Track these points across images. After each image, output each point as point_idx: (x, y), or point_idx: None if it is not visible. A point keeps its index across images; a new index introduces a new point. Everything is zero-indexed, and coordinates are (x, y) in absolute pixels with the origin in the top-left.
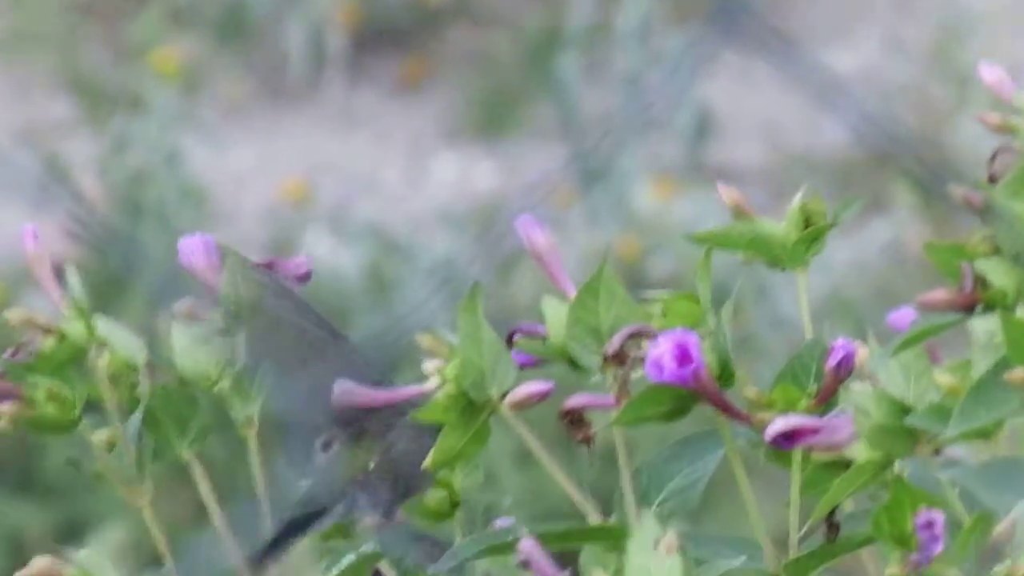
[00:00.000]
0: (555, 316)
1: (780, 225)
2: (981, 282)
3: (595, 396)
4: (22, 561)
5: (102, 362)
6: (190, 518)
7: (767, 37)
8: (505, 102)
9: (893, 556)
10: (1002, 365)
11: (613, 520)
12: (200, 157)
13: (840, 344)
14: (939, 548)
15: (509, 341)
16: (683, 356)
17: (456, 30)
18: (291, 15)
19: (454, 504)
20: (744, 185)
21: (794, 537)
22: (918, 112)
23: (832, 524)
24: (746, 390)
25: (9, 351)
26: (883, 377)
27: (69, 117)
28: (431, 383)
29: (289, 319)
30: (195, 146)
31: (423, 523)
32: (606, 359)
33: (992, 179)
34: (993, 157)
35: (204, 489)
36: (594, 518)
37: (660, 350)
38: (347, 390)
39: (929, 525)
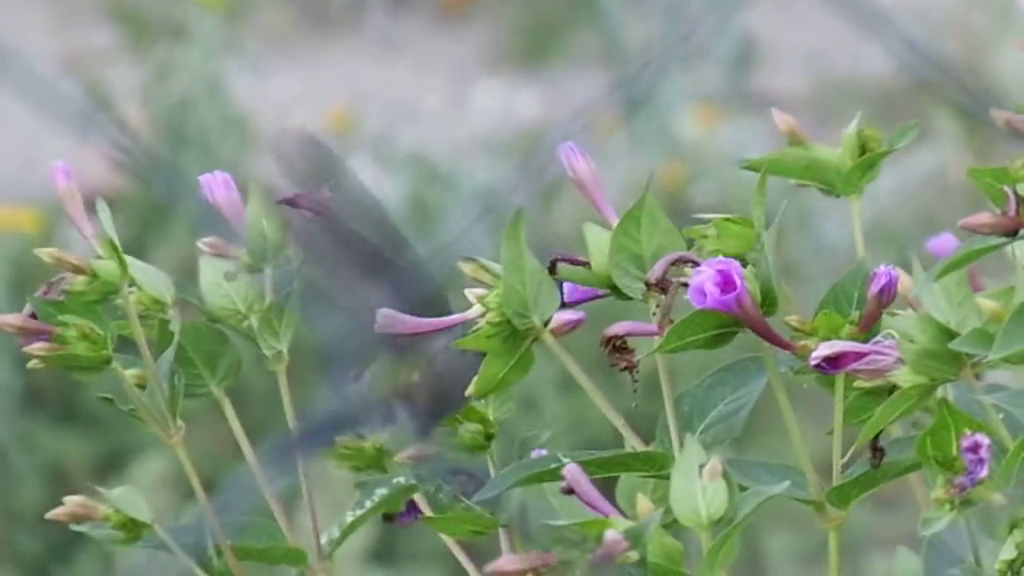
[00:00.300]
0: (598, 244)
1: (835, 151)
2: None
3: (638, 323)
4: (62, 491)
5: (132, 300)
6: (232, 448)
7: None
8: (547, 30)
9: (938, 480)
10: None
11: (656, 447)
12: (243, 86)
13: (883, 271)
14: (984, 472)
15: (551, 269)
16: (726, 282)
17: None
18: None
19: (489, 436)
20: (789, 112)
21: (837, 464)
22: (960, 40)
23: (876, 449)
24: (789, 317)
25: (41, 289)
26: (927, 302)
27: (112, 45)
28: (474, 311)
29: (332, 239)
30: (238, 75)
31: (458, 455)
32: (649, 286)
33: None
34: None
35: (235, 426)
36: (636, 445)
37: (703, 276)
38: (390, 317)
39: (974, 448)
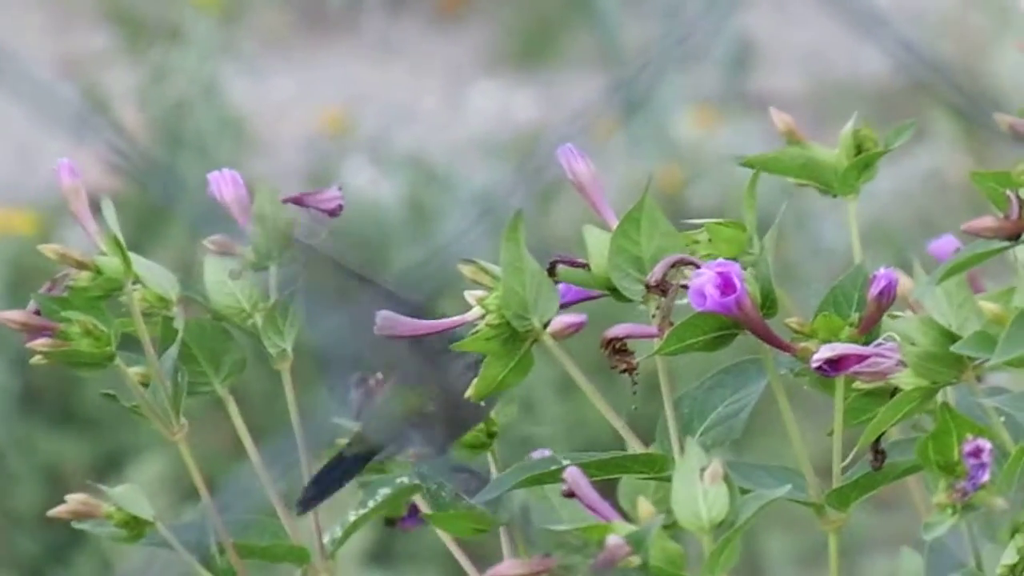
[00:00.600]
0: (597, 245)
1: (832, 151)
2: None
3: (638, 325)
4: (60, 493)
5: (136, 297)
6: (232, 448)
7: None
8: (544, 31)
9: (940, 484)
10: None
11: (656, 449)
12: (239, 88)
13: (883, 273)
14: (986, 476)
15: (551, 271)
16: (726, 284)
17: None
18: None
19: (491, 436)
20: (786, 112)
21: (837, 466)
22: (957, 41)
23: (878, 452)
24: (789, 319)
25: (45, 286)
26: (928, 305)
27: (109, 47)
28: (473, 313)
29: (323, 256)
30: (234, 77)
31: (460, 455)
32: (648, 288)
33: None
34: None
35: (239, 424)
36: (636, 447)
37: (703, 279)
38: (389, 320)
39: (976, 453)
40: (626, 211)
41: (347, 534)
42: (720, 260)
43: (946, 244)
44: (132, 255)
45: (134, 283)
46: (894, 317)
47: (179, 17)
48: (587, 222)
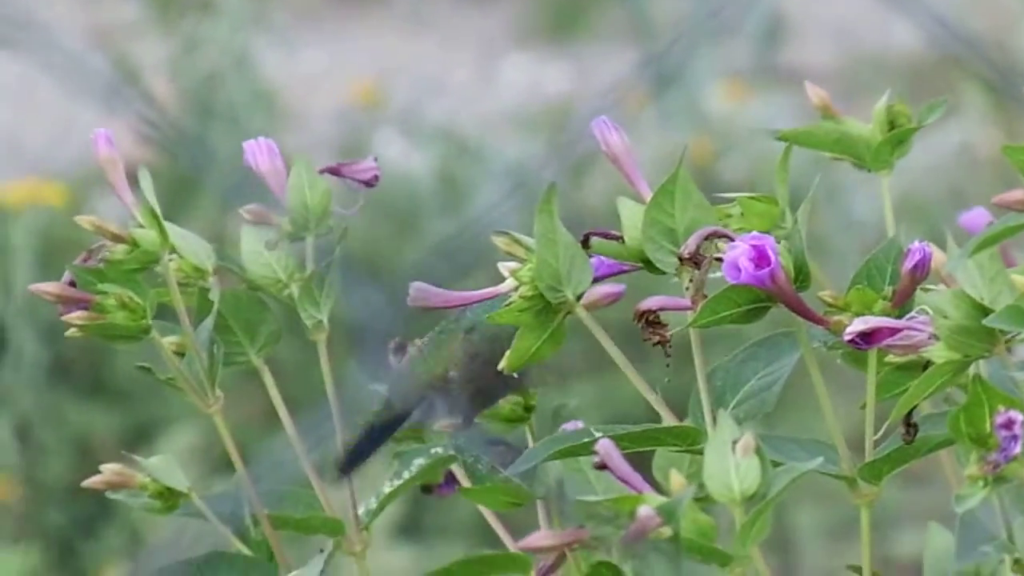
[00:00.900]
0: (631, 218)
1: (866, 126)
2: None
3: (671, 298)
4: (89, 465)
5: (172, 268)
6: (262, 419)
7: None
8: (575, 4)
9: (971, 457)
10: None
11: (688, 422)
12: (271, 60)
13: (917, 247)
14: (1018, 448)
15: (584, 243)
16: (760, 257)
17: None
18: None
19: (528, 408)
20: (817, 86)
21: (870, 439)
22: (988, 16)
23: (910, 425)
24: (822, 292)
25: (80, 257)
26: (960, 278)
27: (140, 19)
28: (507, 284)
29: None
30: (266, 49)
31: (496, 428)
32: (682, 260)
33: None
34: None
35: (274, 395)
36: (669, 419)
37: (737, 251)
38: (422, 290)
39: (1008, 425)
40: (659, 183)
41: (382, 505)
42: (754, 233)
43: (977, 217)
44: (168, 225)
45: (170, 254)
46: (927, 291)
47: None
48: (619, 195)
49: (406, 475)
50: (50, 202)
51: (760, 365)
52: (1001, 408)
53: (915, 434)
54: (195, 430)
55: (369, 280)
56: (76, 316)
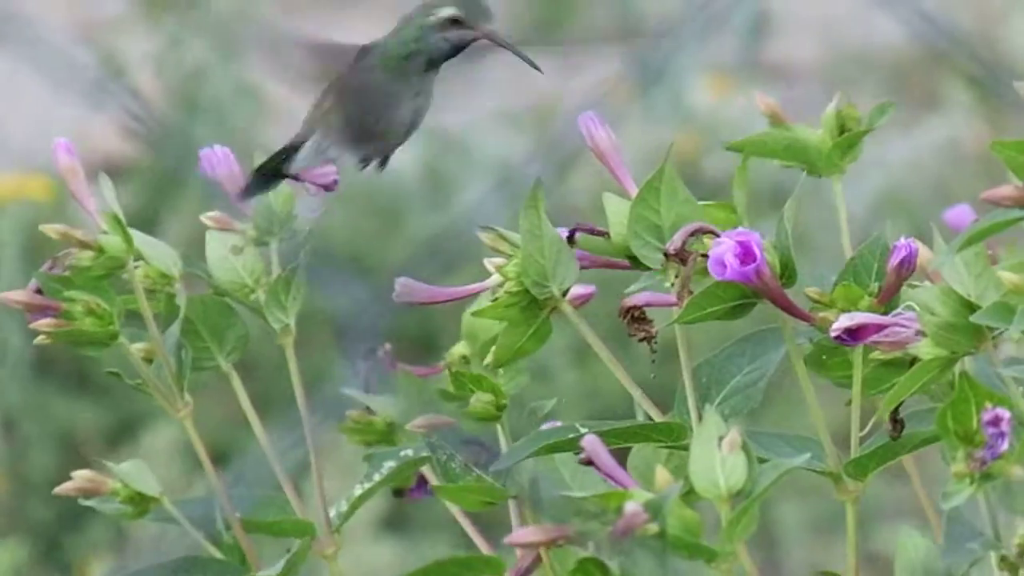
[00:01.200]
0: (617, 214)
1: (816, 132)
2: None
3: (657, 294)
4: (74, 459)
5: (139, 274)
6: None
7: None
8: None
9: (958, 453)
10: None
11: (673, 417)
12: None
13: (903, 243)
14: (1005, 445)
15: (570, 239)
16: (746, 253)
17: None
18: None
19: (500, 407)
20: (800, 81)
21: (856, 435)
22: (973, 10)
23: (896, 421)
24: (808, 288)
25: (46, 264)
26: (947, 275)
27: (125, 14)
28: (493, 280)
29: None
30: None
31: (470, 426)
32: (668, 256)
33: None
34: None
35: (244, 399)
36: (655, 416)
37: (723, 248)
38: (407, 285)
39: (995, 422)
40: (644, 179)
41: (353, 508)
42: (740, 229)
43: (961, 213)
44: (134, 232)
45: (136, 260)
46: (913, 287)
47: None
48: (604, 191)
49: (376, 477)
50: (35, 196)
51: (745, 361)
52: (988, 405)
53: (901, 430)
54: (179, 425)
55: (354, 276)
56: (44, 323)
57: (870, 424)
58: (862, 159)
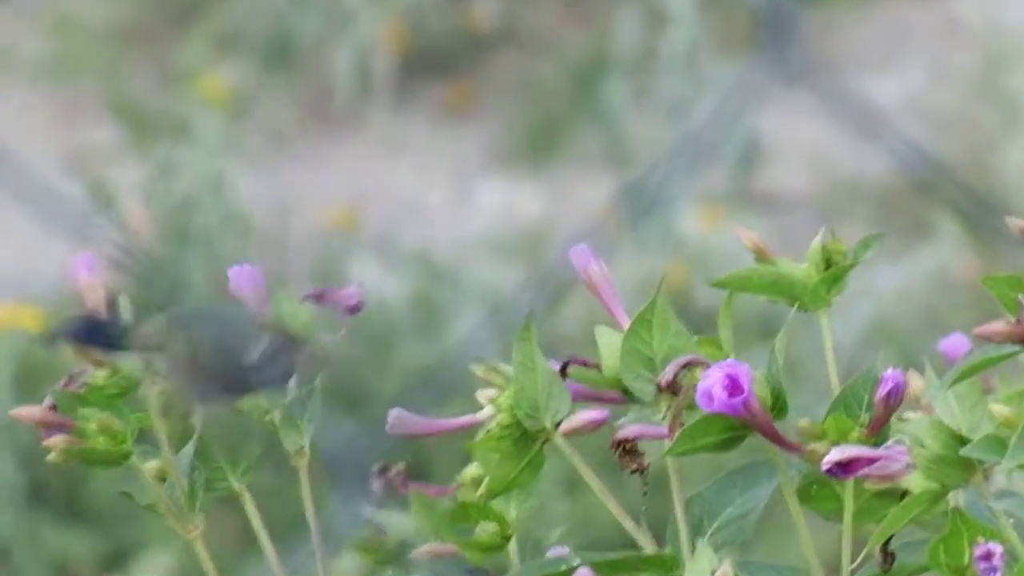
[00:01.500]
0: (609, 346)
1: (801, 267)
2: None
3: (648, 427)
4: None
5: (153, 393)
6: (236, 544)
7: (812, 67)
8: (551, 128)
9: None
10: None
11: (666, 550)
12: (246, 184)
13: (889, 375)
14: None
15: (563, 371)
16: (733, 386)
17: (502, 56)
18: (337, 41)
19: (506, 537)
20: (792, 211)
21: (847, 567)
22: (965, 139)
23: (887, 553)
24: (800, 419)
25: (62, 381)
26: (939, 407)
27: (114, 143)
28: (485, 412)
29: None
30: (241, 173)
31: (474, 557)
32: (660, 389)
33: None
34: None
35: (255, 520)
36: (648, 547)
37: (710, 380)
38: (401, 418)
39: (987, 556)
40: (636, 310)
41: None
42: (729, 360)
43: (957, 343)
44: None
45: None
46: (902, 420)
47: (185, 112)
48: (595, 321)
49: None
50: (26, 326)
51: (737, 493)
52: (980, 539)
53: (892, 562)
54: (171, 553)
55: (343, 408)
56: (57, 441)
57: (861, 556)
58: (852, 288)
